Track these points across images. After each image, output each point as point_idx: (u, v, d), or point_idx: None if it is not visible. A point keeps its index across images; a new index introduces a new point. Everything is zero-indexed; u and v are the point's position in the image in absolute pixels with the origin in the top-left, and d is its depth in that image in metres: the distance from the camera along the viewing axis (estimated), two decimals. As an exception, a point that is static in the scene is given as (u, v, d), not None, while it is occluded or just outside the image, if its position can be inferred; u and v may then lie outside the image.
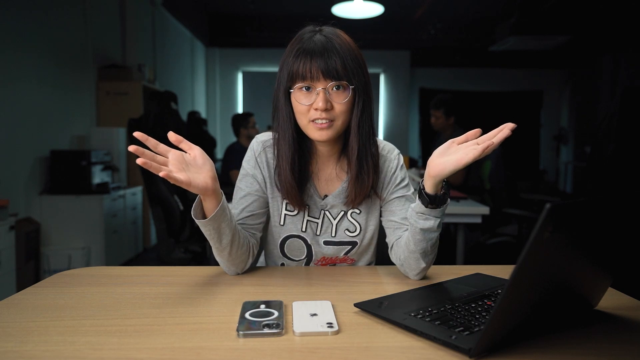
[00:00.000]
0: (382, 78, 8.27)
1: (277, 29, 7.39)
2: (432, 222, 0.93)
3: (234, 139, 4.06)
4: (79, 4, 3.92)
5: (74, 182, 3.46)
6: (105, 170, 3.74)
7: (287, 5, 6.63)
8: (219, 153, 6.58)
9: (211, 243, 0.96)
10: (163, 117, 3.64)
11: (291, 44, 1.01)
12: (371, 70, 8.75)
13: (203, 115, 7.13)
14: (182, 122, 3.98)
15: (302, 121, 1.00)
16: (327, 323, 0.71)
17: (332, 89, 0.97)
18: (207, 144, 5.02)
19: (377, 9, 4.19)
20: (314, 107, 0.96)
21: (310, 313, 0.75)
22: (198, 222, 0.92)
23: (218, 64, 7.99)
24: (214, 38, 7.78)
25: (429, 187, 0.91)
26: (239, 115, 4.12)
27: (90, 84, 4.15)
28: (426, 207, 0.92)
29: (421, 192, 0.92)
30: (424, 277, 1.00)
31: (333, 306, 0.79)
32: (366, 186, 1.03)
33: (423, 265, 0.96)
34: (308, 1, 6.25)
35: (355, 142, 1.03)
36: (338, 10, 4.19)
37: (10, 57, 3.06)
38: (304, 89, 0.97)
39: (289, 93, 1.00)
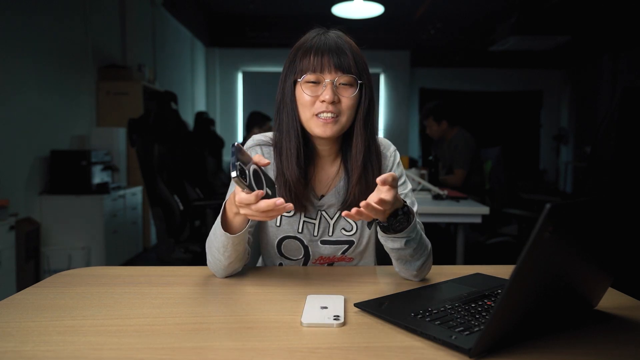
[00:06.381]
0: (382, 78, 8.26)
1: (277, 29, 7.38)
2: (397, 244, 0.91)
3: (233, 138, 4.05)
4: (79, 4, 3.92)
5: (74, 182, 3.46)
6: (105, 170, 3.74)
7: (287, 5, 6.62)
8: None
9: (218, 252, 0.93)
10: (163, 117, 3.64)
11: (296, 45, 1.01)
12: (371, 70, 8.70)
13: (203, 115, 7.12)
14: (182, 122, 3.98)
15: (306, 114, 0.98)
16: (334, 316, 0.73)
17: (339, 84, 0.97)
18: (216, 144, 5.02)
19: (377, 9, 4.18)
20: (321, 99, 0.96)
21: (321, 306, 0.77)
22: (225, 234, 0.90)
23: (218, 64, 7.99)
24: (214, 38, 7.78)
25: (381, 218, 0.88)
26: (258, 114, 4.02)
27: (90, 84, 4.15)
28: (384, 234, 0.91)
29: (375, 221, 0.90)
30: (424, 278, 1.00)
31: (345, 300, 0.81)
32: (370, 187, 1.00)
33: (411, 270, 0.95)
34: (308, 1, 6.24)
35: (362, 141, 1.01)
36: (338, 10, 4.18)
37: (10, 57, 3.06)
38: (311, 82, 0.97)
39: (295, 84, 0.99)
